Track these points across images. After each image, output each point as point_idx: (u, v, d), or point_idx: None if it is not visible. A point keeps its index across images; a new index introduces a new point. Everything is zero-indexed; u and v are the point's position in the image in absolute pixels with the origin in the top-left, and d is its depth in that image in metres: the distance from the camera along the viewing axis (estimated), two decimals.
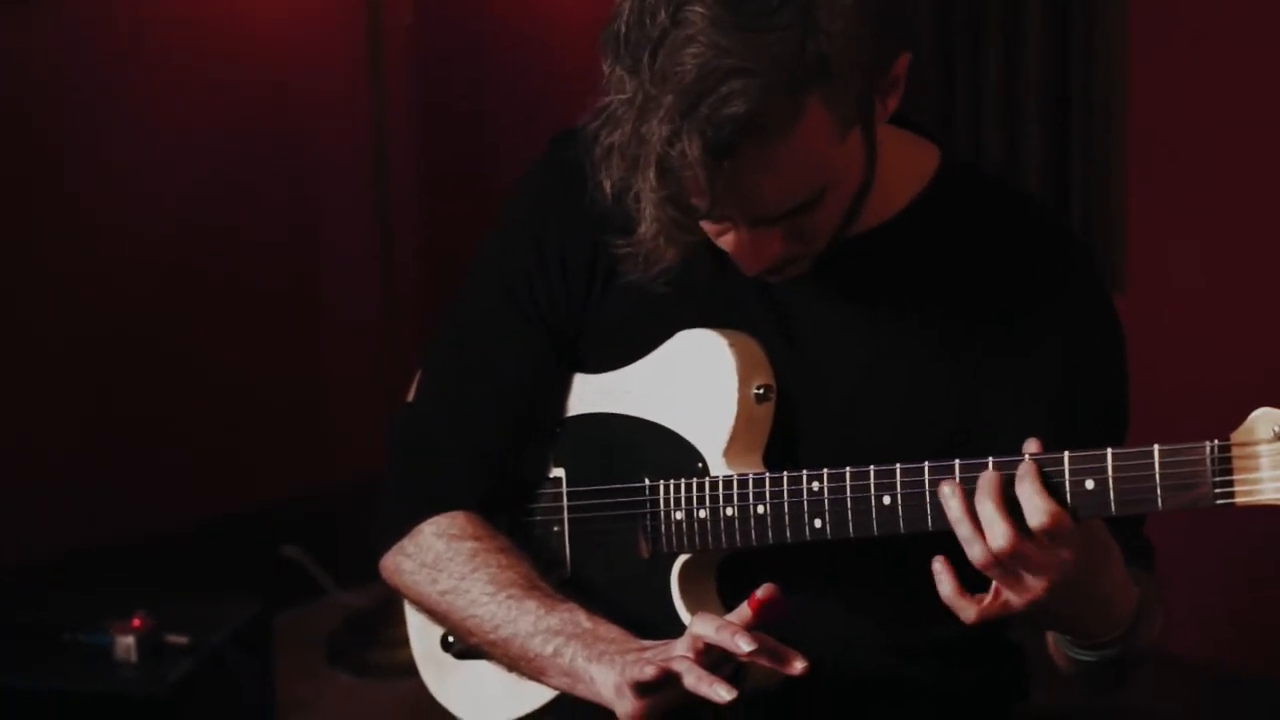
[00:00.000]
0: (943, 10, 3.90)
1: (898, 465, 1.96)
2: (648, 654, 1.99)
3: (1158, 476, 1.81)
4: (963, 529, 1.88)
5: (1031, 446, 1.88)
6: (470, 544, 2.17)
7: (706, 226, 1.97)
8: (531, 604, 2.11)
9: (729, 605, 2.07)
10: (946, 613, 1.92)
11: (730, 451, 2.09)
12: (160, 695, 3.25)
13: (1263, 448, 1.76)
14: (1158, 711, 3.76)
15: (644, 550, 2.14)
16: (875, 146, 1.99)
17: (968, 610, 1.90)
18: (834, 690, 2.13)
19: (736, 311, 2.12)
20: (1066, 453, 1.86)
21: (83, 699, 3.27)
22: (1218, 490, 1.78)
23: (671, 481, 2.11)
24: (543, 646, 2.09)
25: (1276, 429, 1.76)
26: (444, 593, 2.17)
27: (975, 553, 1.87)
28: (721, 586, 2.13)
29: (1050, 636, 2.05)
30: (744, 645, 1.90)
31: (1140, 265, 3.83)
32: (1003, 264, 2.08)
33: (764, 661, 1.92)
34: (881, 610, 2.13)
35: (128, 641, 3.30)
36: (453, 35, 4.70)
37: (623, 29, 1.89)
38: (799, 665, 1.92)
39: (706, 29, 1.84)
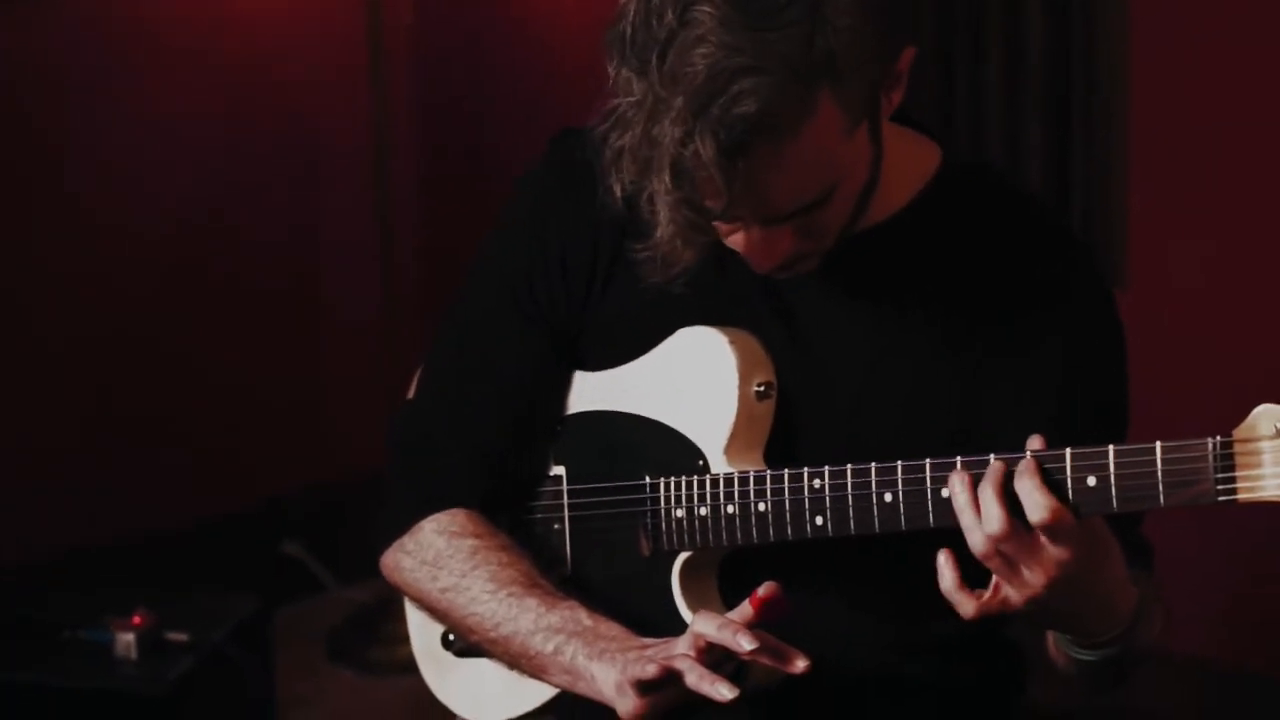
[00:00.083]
0: (944, 9, 3.90)
1: (899, 463, 1.96)
2: (649, 652, 1.99)
3: (1160, 473, 1.81)
4: (965, 517, 1.88)
5: (1035, 443, 1.88)
6: (471, 541, 2.17)
7: (717, 226, 1.97)
8: (532, 602, 2.11)
9: (730, 603, 2.07)
10: (947, 610, 1.92)
11: (731, 449, 2.09)
12: (160, 692, 3.25)
13: (1265, 444, 1.76)
14: (1158, 710, 3.76)
15: (645, 548, 2.14)
16: (881, 141, 1.99)
17: (967, 605, 1.90)
18: (835, 687, 2.13)
19: (738, 309, 2.12)
20: (1068, 449, 1.86)
21: (83, 696, 3.27)
22: (1220, 487, 1.78)
23: (672, 479, 2.11)
24: (543, 644, 2.09)
25: (1278, 425, 1.76)
26: (444, 590, 2.17)
27: (975, 541, 1.88)
28: (722, 584, 2.13)
29: (1050, 636, 2.05)
30: (746, 644, 1.90)
31: (1141, 263, 3.83)
32: (1003, 263, 2.08)
33: (766, 660, 1.92)
34: (882, 607, 2.13)
35: (128, 638, 3.30)
36: (453, 35, 4.70)
37: (629, 30, 1.88)
38: (801, 664, 1.92)
39: (715, 29, 1.84)
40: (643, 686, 1.96)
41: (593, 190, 2.04)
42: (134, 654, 3.30)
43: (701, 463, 2.10)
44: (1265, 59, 3.66)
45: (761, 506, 2.04)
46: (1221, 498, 1.79)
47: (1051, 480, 1.85)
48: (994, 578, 1.90)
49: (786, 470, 2.03)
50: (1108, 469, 1.84)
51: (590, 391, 2.21)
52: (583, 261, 2.17)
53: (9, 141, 4.09)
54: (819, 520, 2.01)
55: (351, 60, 4.42)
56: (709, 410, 2.10)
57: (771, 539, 2.04)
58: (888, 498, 1.96)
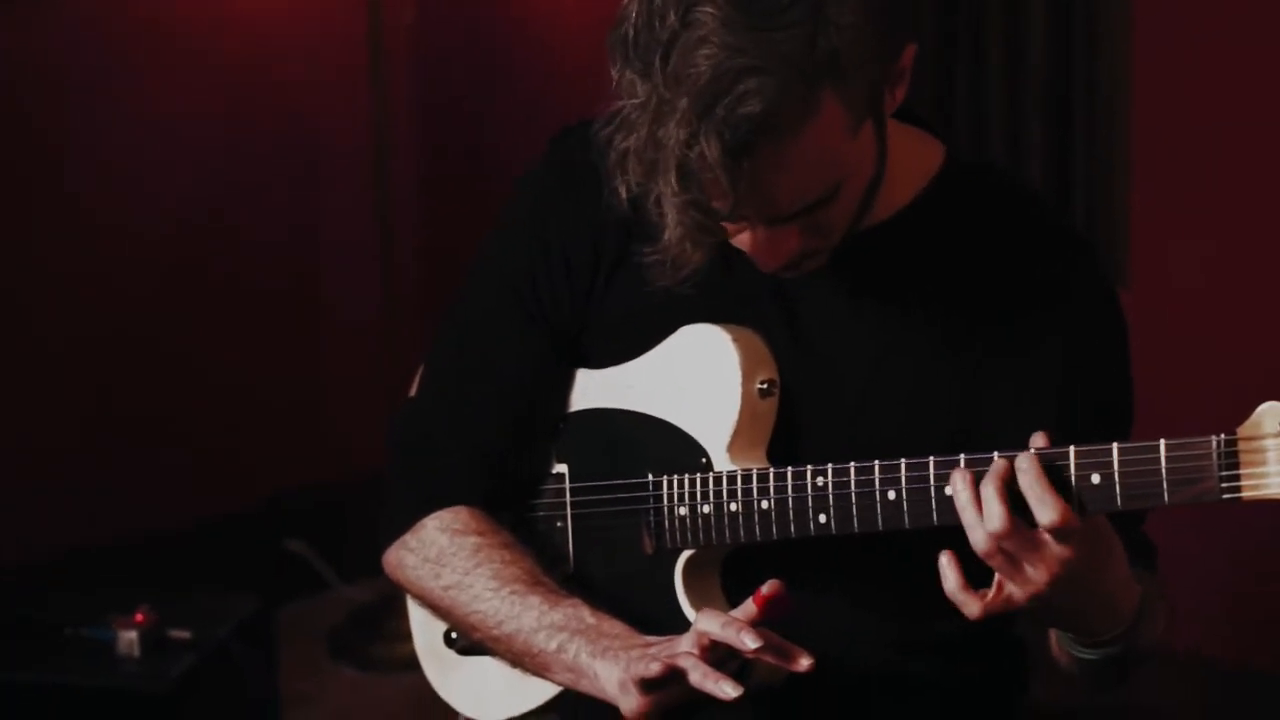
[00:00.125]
0: (946, 8, 3.91)
1: (902, 460, 1.96)
2: (652, 650, 1.99)
3: (1164, 471, 1.81)
4: (967, 514, 1.88)
5: (1039, 440, 1.88)
6: (473, 539, 2.17)
7: (724, 226, 1.97)
8: (535, 599, 2.11)
9: (733, 601, 2.08)
10: (950, 608, 1.92)
11: (734, 447, 2.09)
12: (163, 690, 3.25)
13: (1269, 442, 1.76)
14: (1160, 707, 3.76)
15: (648, 546, 2.14)
16: (885, 138, 1.99)
17: (971, 605, 1.90)
18: (839, 685, 2.13)
19: (741, 306, 2.12)
20: (1072, 447, 1.86)
21: (85, 694, 3.27)
22: (1224, 485, 1.78)
23: (675, 477, 2.11)
24: (546, 642, 2.09)
25: None
26: (447, 588, 2.17)
27: (977, 538, 1.87)
28: (725, 582, 2.13)
29: (1052, 634, 2.05)
30: (749, 642, 1.90)
31: (1143, 262, 3.84)
32: (1006, 261, 2.08)
33: (769, 658, 1.92)
34: (886, 605, 2.13)
35: (130, 636, 3.30)
36: (454, 35, 4.70)
37: (631, 32, 1.88)
38: (804, 662, 1.92)
39: (718, 29, 1.84)
40: (646, 685, 1.96)
41: (594, 189, 2.04)
42: (136, 652, 3.30)
43: (705, 460, 2.10)
44: (1267, 58, 3.67)
45: (765, 504, 2.04)
46: (1226, 495, 1.79)
47: (1056, 478, 1.85)
48: (997, 576, 1.90)
49: (790, 468, 2.03)
50: (1112, 466, 1.84)
51: (593, 389, 2.21)
52: (585, 260, 2.17)
53: (9, 141, 4.08)
54: (822, 518, 2.01)
55: (351, 60, 4.42)
56: (712, 408, 2.10)
57: (775, 537, 2.04)
58: (891, 495, 1.96)
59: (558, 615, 2.09)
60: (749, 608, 1.93)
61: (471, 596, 2.15)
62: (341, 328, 4.67)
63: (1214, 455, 1.79)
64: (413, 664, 2.38)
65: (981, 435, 2.04)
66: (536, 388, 2.21)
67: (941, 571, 1.90)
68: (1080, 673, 2.05)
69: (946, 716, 2.18)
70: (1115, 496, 1.84)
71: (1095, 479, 1.84)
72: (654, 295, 2.09)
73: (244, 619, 3.45)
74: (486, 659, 2.21)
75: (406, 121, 4.64)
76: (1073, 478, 1.85)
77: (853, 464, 1.99)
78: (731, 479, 2.07)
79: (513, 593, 2.12)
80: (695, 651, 1.93)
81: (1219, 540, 3.62)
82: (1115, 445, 1.84)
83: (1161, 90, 3.78)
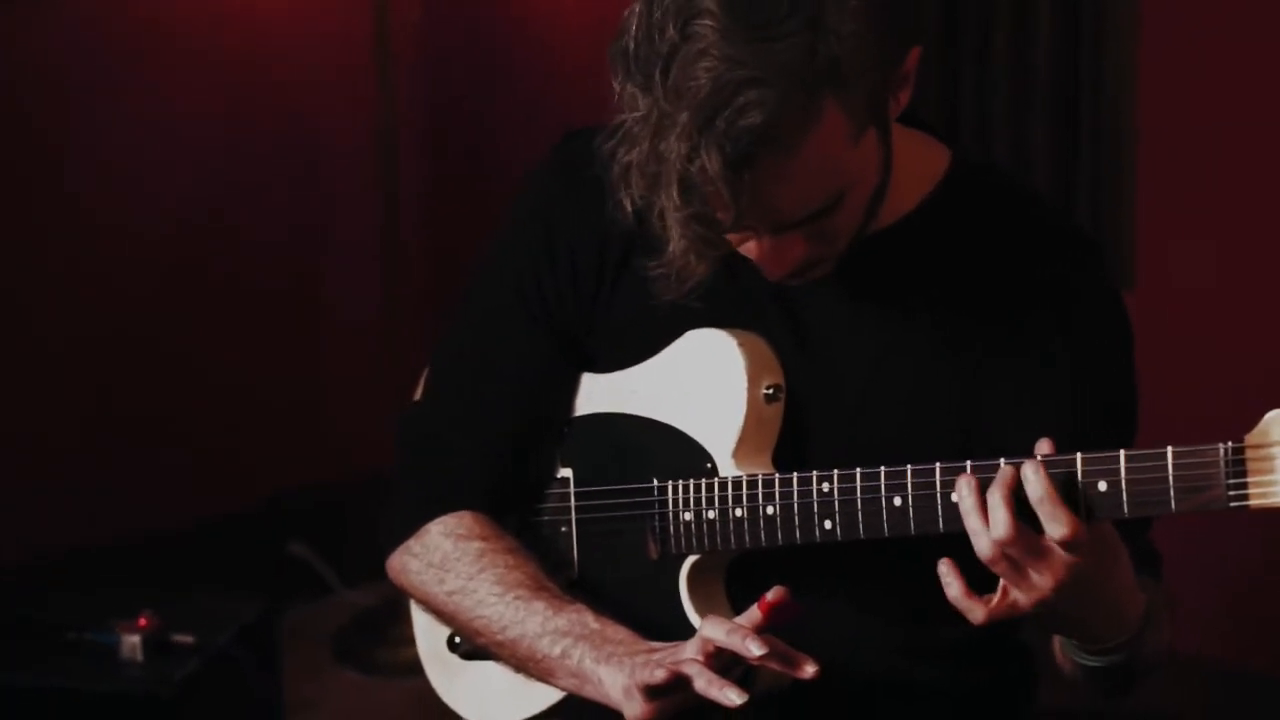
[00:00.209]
0: (951, 9, 3.90)
1: (908, 466, 1.96)
2: (657, 656, 1.99)
3: (1171, 479, 1.81)
4: (972, 520, 1.88)
5: (1044, 448, 1.88)
6: (478, 544, 2.17)
7: (729, 236, 1.97)
8: (539, 605, 2.11)
9: (738, 606, 2.07)
10: (956, 614, 1.92)
11: (739, 452, 2.09)
12: (166, 694, 3.25)
13: (1277, 450, 1.76)
14: (1162, 710, 3.76)
15: (653, 551, 2.14)
16: (890, 144, 1.99)
17: (976, 611, 1.90)
18: (844, 692, 2.12)
19: (746, 311, 2.12)
20: (1079, 454, 1.86)
21: (88, 698, 3.26)
22: (1231, 493, 1.78)
23: (680, 482, 2.11)
24: (550, 647, 2.09)
25: None
26: (451, 593, 2.17)
27: (982, 545, 1.87)
28: (730, 587, 2.13)
29: (1057, 642, 2.04)
30: (754, 649, 1.90)
31: (1149, 264, 3.83)
32: (1009, 263, 2.08)
33: (774, 665, 1.92)
34: (892, 611, 2.13)
35: (133, 640, 3.30)
36: (460, 34, 4.70)
37: (631, 45, 1.88)
38: (809, 669, 1.92)
39: (717, 42, 1.84)
40: (650, 691, 1.96)
41: (599, 193, 2.04)
42: (140, 656, 3.30)
43: (710, 465, 2.10)
44: (1273, 59, 3.67)
45: (770, 510, 2.04)
46: (1233, 504, 1.78)
47: (1063, 486, 1.85)
48: (1001, 582, 1.90)
49: (795, 474, 2.03)
50: (1119, 474, 1.84)
51: (598, 393, 2.21)
52: (590, 264, 2.17)
53: (9, 141, 4.08)
54: (828, 524, 2.01)
55: (353, 60, 4.42)
56: (718, 413, 2.10)
57: (780, 543, 2.04)
58: (897, 502, 1.96)
59: (562, 621, 2.09)
60: (754, 614, 1.93)
61: (475, 602, 2.15)
62: (342, 328, 4.67)
63: (1221, 463, 1.79)
64: (416, 668, 2.38)
65: (983, 435, 2.05)
66: (543, 388, 2.21)
67: (943, 580, 1.90)
68: (1085, 680, 2.05)
69: None
70: (1122, 504, 1.84)
71: (1102, 486, 1.84)
72: (658, 300, 2.09)
73: (247, 623, 3.44)
74: (490, 664, 2.20)
75: (412, 120, 4.64)
76: (1080, 485, 1.85)
77: (858, 470, 1.99)
78: (737, 484, 2.07)
79: (517, 598, 2.12)
80: (700, 658, 1.93)
81: (1219, 541, 3.62)
82: (1122, 453, 1.84)
83: (1167, 91, 3.78)
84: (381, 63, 4.31)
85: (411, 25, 4.52)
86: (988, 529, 1.87)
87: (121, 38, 4.20)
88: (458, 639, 2.25)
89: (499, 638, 2.13)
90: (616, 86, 1.89)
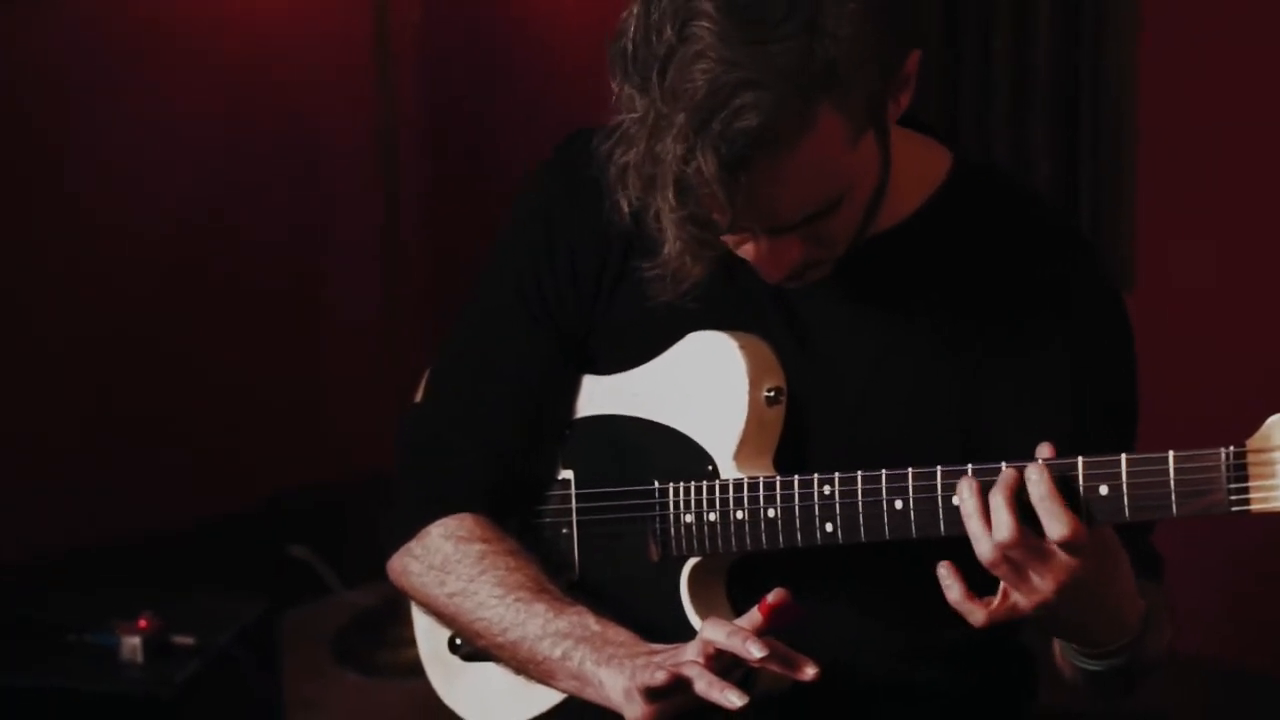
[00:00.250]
0: (951, 10, 3.90)
1: (909, 470, 1.96)
2: (657, 658, 1.99)
3: (1172, 483, 1.81)
4: (973, 524, 1.88)
5: (1044, 451, 1.88)
6: (479, 546, 2.17)
7: (726, 238, 1.97)
8: (540, 607, 2.11)
9: (739, 608, 2.07)
10: (957, 616, 1.92)
11: (741, 454, 2.09)
12: (167, 695, 3.24)
13: (1278, 455, 1.76)
14: (1161, 710, 3.76)
15: (653, 553, 2.14)
16: (889, 147, 1.98)
17: (976, 614, 1.90)
18: (845, 693, 2.12)
19: (747, 314, 2.12)
20: (1081, 458, 1.86)
21: (89, 699, 3.26)
22: (1233, 497, 1.78)
23: (681, 484, 2.11)
24: (551, 649, 2.09)
25: None
26: (452, 595, 2.17)
27: (983, 549, 1.87)
28: (731, 590, 2.13)
29: (1057, 645, 2.04)
30: (755, 651, 1.90)
31: (1149, 264, 3.83)
32: (1010, 265, 2.08)
33: (775, 667, 1.92)
34: (892, 614, 2.13)
35: (134, 642, 3.30)
36: (460, 34, 4.69)
37: (629, 47, 1.88)
38: (810, 671, 1.92)
39: (714, 44, 1.84)
40: (651, 693, 1.96)
41: (599, 194, 2.04)
42: (140, 657, 3.29)
43: (711, 468, 2.10)
44: (1273, 59, 3.66)
45: (771, 513, 2.04)
46: (1235, 508, 1.79)
47: (1064, 489, 1.85)
48: (1002, 585, 1.90)
49: (796, 476, 2.03)
50: (1120, 478, 1.84)
51: (600, 395, 2.21)
52: (591, 265, 2.17)
53: (9, 141, 4.08)
54: (829, 527, 2.01)
55: (353, 60, 4.42)
56: (719, 415, 2.10)
57: (781, 545, 2.04)
58: (898, 505, 1.96)
59: (562, 623, 2.09)
60: (754, 616, 1.94)
61: (476, 604, 2.15)
62: (342, 328, 4.67)
63: (1223, 468, 1.79)
64: (417, 669, 2.38)
65: (983, 436, 2.06)
66: (544, 389, 2.21)
67: (943, 582, 1.90)
68: (1084, 683, 2.05)
69: None
70: (1123, 508, 1.84)
71: (1103, 490, 1.84)
72: (660, 302, 2.09)
73: (247, 624, 3.44)
74: (491, 666, 2.20)
75: (410, 121, 4.64)
76: (1081, 489, 1.85)
77: (860, 473, 1.99)
78: (738, 487, 2.07)
79: (517, 600, 2.12)
80: (700, 660, 1.93)
81: (1219, 543, 3.62)
82: (1124, 456, 1.84)
83: (1168, 92, 3.77)
84: (381, 63, 4.30)
85: (411, 25, 4.51)
86: (989, 533, 1.87)
87: (121, 38, 4.20)
88: (458, 640, 2.25)
89: (500, 640, 2.13)
90: (615, 87, 1.90)
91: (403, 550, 2.22)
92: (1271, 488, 1.76)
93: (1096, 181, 3.86)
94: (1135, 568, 1.94)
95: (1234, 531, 3.62)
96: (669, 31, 1.85)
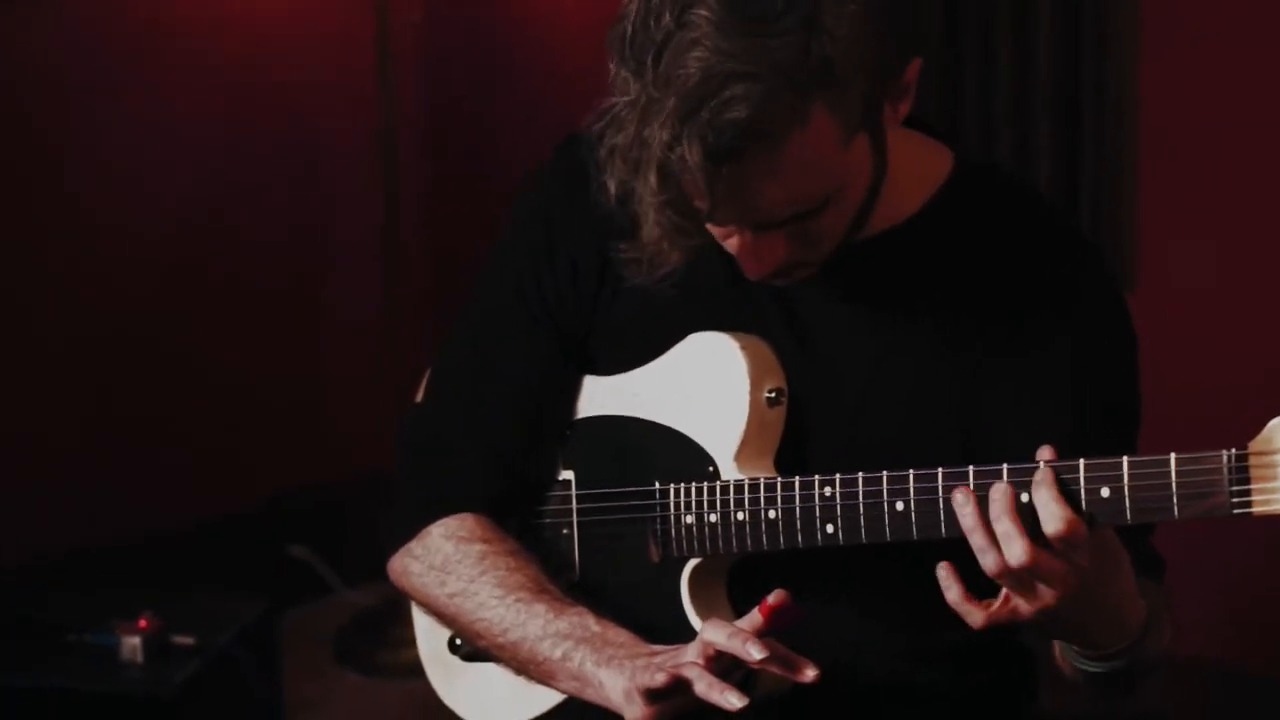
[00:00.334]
0: (952, 10, 3.90)
1: (910, 471, 1.95)
2: (657, 660, 1.99)
3: (1174, 485, 1.81)
4: (976, 538, 1.88)
5: (1045, 453, 1.88)
6: (479, 546, 2.17)
7: (712, 229, 1.97)
8: (540, 607, 2.11)
9: (739, 610, 2.07)
10: (957, 618, 1.92)
11: (742, 455, 2.09)
12: (167, 695, 3.24)
13: None
14: (1161, 711, 3.76)
15: (654, 554, 2.14)
16: (884, 152, 1.98)
17: (975, 615, 1.90)
18: (845, 695, 2.12)
19: (748, 314, 2.12)
20: (1082, 460, 1.86)
21: (88, 699, 3.26)
22: (1235, 500, 1.78)
23: (682, 485, 2.11)
24: (551, 650, 2.09)
25: None
26: (452, 595, 2.17)
27: (988, 562, 1.87)
28: (732, 591, 2.13)
29: (1057, 646, 2.04)
30: (755, 653, 1.90)
31: (1150, 265, 3.83)
32: (1011, 265, 2.08)
33: (775, 669, 1.92)
34: (893, 615, 2.12)
35: (134, 642, 3.30)
36: (460, 34, 4.69)
37: (629, 30, 1.88)
38: (810, 673, 1.92)
39: (710, 33, 1.84)
40: (651, 694, 1.96)
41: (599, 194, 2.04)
42: (140, 657, 3.29)
43: (712, 469, 2.10)
44: (1273, 60, 3.66)
45: (772, 514, 2.04)
46: (1237, 510, 1.78)
47: (1066, 490, 1.85)
48: (1003, 590, 1.90)
49: (797, 478, 2.03)
50: (1121, 480, 1.84)
51: (600, 396, 2.21)
52: (591, 265, 2.17)
53: (9, 141, 4.08)
54: (830, 528, 2.01)
55: (354, 60, 4.42)
56: (720, 416, 2.10)
57: (782, 546, 2.04)
58: (899, 506, 1.96)
59: (563, 623, 2.09)
60: (755, 617, 1.93)
61: (476, 604, 2.15)
62: (342, 328, 4.67)
63: (1225, 470, 1.79)
64: (417, 669, 2.38)
65: (983, 436, 2.06)
66: (544, 389, 2.21)
67: (942, 583, 1.90)
68: (1085, 684, 2.05)
69: None
70: (1125, 510, 1.84)
71: (1105, 492, 1.84)
72: (661, 302, 2.10)
73: (247, 624, 3.44)
74: (491, 666, 2.20)
75: (410, 121, 4.63)
76: (1082, 491, 1.85)
77: (860, 474, 1.99)
78: (739, 488, 2.07)
79: (518, 600, 2.12)
80: (700, 661, 1.93)
81: (1220, 544, 3.62)
82: (1125, 459, 1.84)
83: (1169, 92, 3.77)
84: (382, 63, 4.30)
85: (412, 25, 4.51)
86: (993, 546, 1.86)
87: (121, 38, 4.20)
88: (459, 641, 2.25)
89: (500, 640, 2.13)
90: (612, 70, 1.90)
91: (403, 550, 2.22)
92: (1273, 490, 1.76)
93: (1097, 181, 3.86)
94: (1136, 568, 1.94)
95: (1235, 533, 3.61)
96: (668, 18, 1.85)
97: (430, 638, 2.31)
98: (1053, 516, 1.84)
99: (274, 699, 3.56)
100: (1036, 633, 1.98)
